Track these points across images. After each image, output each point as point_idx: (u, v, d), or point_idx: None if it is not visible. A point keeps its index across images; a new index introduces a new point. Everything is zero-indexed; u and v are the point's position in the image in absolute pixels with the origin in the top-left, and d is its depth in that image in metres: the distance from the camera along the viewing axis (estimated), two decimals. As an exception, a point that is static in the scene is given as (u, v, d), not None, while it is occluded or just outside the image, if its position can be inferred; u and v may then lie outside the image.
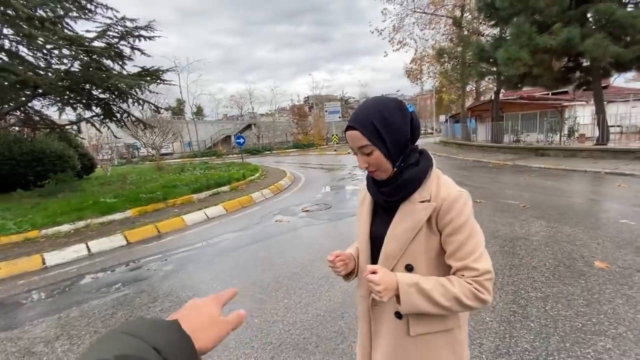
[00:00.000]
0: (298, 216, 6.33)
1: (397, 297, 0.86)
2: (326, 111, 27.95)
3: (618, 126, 16.34)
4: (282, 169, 14.69)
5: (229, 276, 3.69)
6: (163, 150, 24.48)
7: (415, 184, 0.92)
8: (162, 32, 8.07)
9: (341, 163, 16.75)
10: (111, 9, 7.63)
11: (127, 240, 5.20)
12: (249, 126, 48.17)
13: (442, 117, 28.99)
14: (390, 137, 0.89)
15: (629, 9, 8.86)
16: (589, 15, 9.64)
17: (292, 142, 39.08)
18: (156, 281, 3.70)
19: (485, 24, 16.41)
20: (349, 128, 0.91)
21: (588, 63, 10.92)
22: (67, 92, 7.53)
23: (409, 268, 0.92)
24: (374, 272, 0.85)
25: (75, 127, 9.51)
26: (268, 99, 74.42)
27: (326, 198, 7.89)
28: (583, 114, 16.75)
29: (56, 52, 7.08)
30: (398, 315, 0.94)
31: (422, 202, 0.90)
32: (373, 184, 1.00)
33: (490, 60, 12.68)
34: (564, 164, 10.43)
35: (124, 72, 8.23)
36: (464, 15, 18.50)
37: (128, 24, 7.33)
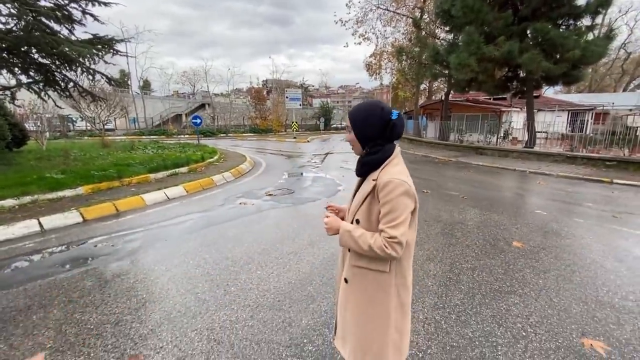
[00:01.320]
0: (262, 199, 6.54)
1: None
2: (287, 97, 27.77)
3: (545, 132, 18.77)
4: (241, 153, 14.54)
5: (199, 252, 3.84)
6: (105, 127, 22.42)
7: (371, 166, 1.33)
8: (120, -1, 7.51)
9: (301, 151, 17.02)
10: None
11: (83, 217, 5.01)
12: (202, 106, 45.89)
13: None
14: (362, 129, 1.34)
15: (561, 30, 10.25)
16: (528, 32, 10.93)
17: (249, 127, 38.19)
18: (124, 256, 3.72)
19: (441, 29, 17.58)
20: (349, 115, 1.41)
21: (524, 74, 12.39)
22: (4, 54, 6.73)
23: (357, 221, 1.34)
24: (328, 217, 1.41)
25: (9, 92, 8.49)
26: (225, 78, 71.09)
27: (288, 183, 8.16)
28: (517, 120, 18.96)
29: (-9, 6, 6.28)
30: (348, 250, 1.40)
31: (373, 180, 1.29)
32: (357, 163, 1.42)
33: (444, 63, 13.73)
34: (498, 163, 11.88)
35: (73, 38, 7.55)
36: (423, 17, 19.57)
37: (83, -15, 6.74)
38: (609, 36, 10.51)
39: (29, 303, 2.73)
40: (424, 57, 17.59)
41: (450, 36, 16.34)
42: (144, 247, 3.98)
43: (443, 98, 20.16)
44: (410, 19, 20.51)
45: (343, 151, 17.06)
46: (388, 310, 1.34)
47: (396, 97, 32.01)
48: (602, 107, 19.89)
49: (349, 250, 1.39)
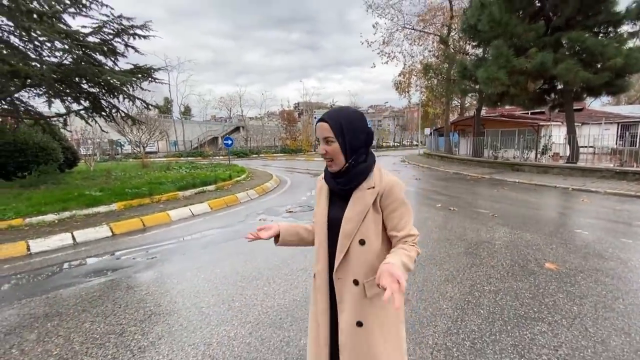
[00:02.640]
0: (281, 216, 6.56)
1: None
2: (315, 118, 28.32)
3: (591, 147, 17.35)
4: (269, 172, 14.87)
5: (212, 266, 3.88)
6: (148, 149, 24.19)
7: (364, 175, 1.16)
8: (157, 32, 8.24)
9: (327, 169, 17.06)
10: (106, 5, 7.76)
11: (112, 232, 5.31)
12: (237, 129, 48.06)
13: (427, 130, 29.92)
14: (349, 137, 1.13)
15: (599, 38, 9.64)
16: (563, 41, 10.39)
17: (280, 147, 39.29)
18: (142, 269, 3.85)
19: (469, 44, 17.26)
20: (321, 121, 1.15)
21: (561, 86, 11.69)
22: (57, 84, 7.57)
23: (362, 242, 1.14)
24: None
25: (61, 119, 9.46)
26: (258, 102, 74.33)
27: (310, 201, 8.15)
28: (558, 134, 17.75)
29: (48, 44, 7.16)
30: (355, 282, 1.16)
31: (369, 189, 1.14)
32: (330, 176, 1.21)
33: (472, 78, 13.36)
34: (536, 179, 11.08)
35: (116, 69, 8.33)
36: (451, 34, 19.38)
37: (124, 22, 7.48)
38: (657, 41, 9.69)
39: (48, 311, 2.88)
40: (452, 73, 17.29)
41: (478, 51, 15.97)
42: (161, 261, 4.10)
43: (475, 114, 19.48)
44: (438, 36, 20.40)
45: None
46: (403, 338, 1.26)
47: (426, 114, 31.52)
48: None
49: (356, 284, 1.16)
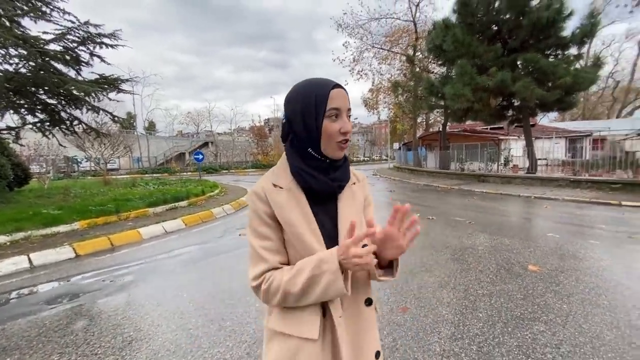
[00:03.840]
0: (262, 230, 6.34)
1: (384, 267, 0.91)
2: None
3: (544, 159, 18.81)
4: (242, 186, 14.51)
5: (194, 285, 3.61)
6: (109, 166, 22.70)
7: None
8: (127, 42, 7.89)
9: (302, 183, 16.96)
10: (69, 13, 7.33)
11: (75, 253, 4.80)
12: (205, 144, 46.79)
13: (396, 145, 30.97)
14: None
15: (550, 59, 10.61)
16: (518, 62, 11.33)
17: (252, 162, 38.73)
18: (114, 291, 3.49)
19: (434, 63, 18.33)
20: (338, 86, 0.85)
21: (519, 103, 12.65)
22: (11, 94, 6.93)
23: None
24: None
25: (13, 133, 8.63)
26: (228, 118, 73.31)
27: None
28: (516, 147, 19.09)
29: (2, 51, 6.58)
30: (368, 302, 0.93)
31: (354, 184, 0.97)
32: (320, 174, 0.89)
33: (439, 94, 14.12)
34: (502, 189, 11.73)
35: (80, 78, 7.82)
36: (416, 54, 20.51)
37: (91, 29, 7.08)
38: (597, 64, 10.87)
39: (5, 344, 2.48)
40: (419, 90, 18.18)
41: (443, 69, 16.99)
42: (136, 282, 3.74)
43: (440, 129, 20.50)
44: (404, 56, 21.49)
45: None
46: None
47: (395, 129, 32.69)
48: (599, 133, 20.10)
49: (368, 304, 0.94)
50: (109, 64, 8.14)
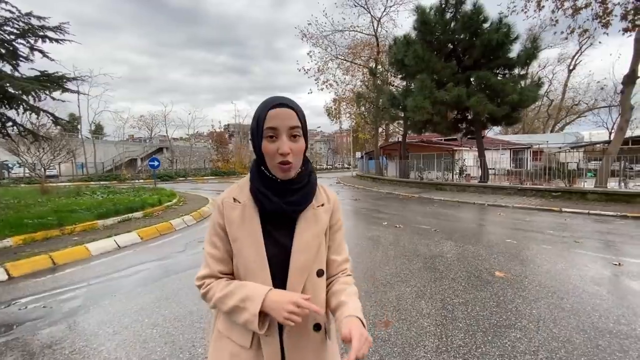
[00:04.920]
0: (228, 243, 6.00)
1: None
2: (249, 140, 27.84)
3: (492, 169, 20.38)
4: (202, 195, 13.80)
5: (157, 307, 3.25)
6: (47, 172, 20.35)
7: (315, 190, 0.95)
8: (75, 37, 7.15)
9: (266, 192, 16.59)
10: (6, 2, 6.48)
11: (8, 274, 4.13)
12: (160, 149, 44.24)
13: (358, 154, 31.73)
14: (307, 135, 0.90)
15: (499, 78, 11.56)
16: (472, 79, 12.19)
17: (211, 169, 37.26)
18: (59, 319, 3.02)
19: (395, 77, 19.15)
20: (283, 105, 0.83)
21: (472, 116, 13.59)
22: None
23: (320, 273, 0.92)
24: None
25: None
26: (185, 122, 70.10)
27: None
28: (468, 157, 20.47)
29: None
30: (317, 327, 0.92)
31: (319, 206, 0.93)
32: (274, 195, 0.88)
33: (400, 106, 14.72)
34: (458, 197, 12.43)
35: (17, 74, 6.93)
36: (378, 67, 21.30)
37: (34, 21, 6.30)
38: (538, 84, 12.09)
39: None
40: (380, 102, 18.83)
41: (403, 82, 17.82)
42: (86, 307, 3.29)
43: (400, 139, 21.37)
44: (367, 68, 22.22)
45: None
46: None
47: (357, 139, 33.50)
48: (538, 146, 22.26)
49: (317, 329, 0.93)
50: (52, 59, 7.32)
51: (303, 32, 21.73)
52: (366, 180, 22.90)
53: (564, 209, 9.20)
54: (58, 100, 7.37)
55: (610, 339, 2.50)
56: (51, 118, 7.82)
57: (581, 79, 51.64)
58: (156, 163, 13.86)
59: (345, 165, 56.58)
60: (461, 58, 12.48)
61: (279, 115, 0.82)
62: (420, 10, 12.18)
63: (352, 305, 0.89)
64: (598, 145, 21.50)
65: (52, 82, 7.29)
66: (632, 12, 10.91)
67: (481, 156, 14.00)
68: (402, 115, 16.40)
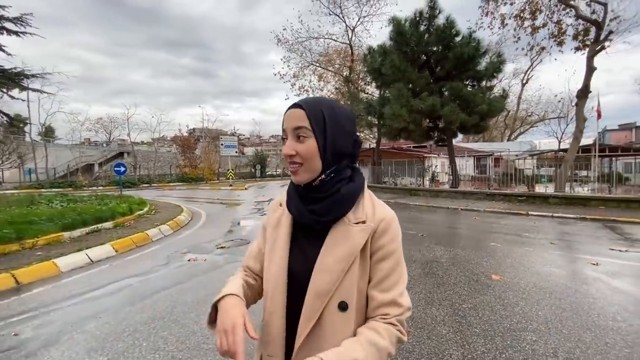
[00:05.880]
0: (214, 254, 5.69)
1: None
2: (222, 144, 27.01)
3: (462, 175, 21.47)
4: (174, 203, 13.11)
5: (153, 328, 2.95)
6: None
7: (351, 202, 0.80)
8: (39, 30, 6.50)
9: (241, 198, 16.13)
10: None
11: (-37, 298, 3.57)
12: (120, 154, 41.59)
13: (331, 160, 31.81)
14: (333, 134, 0.78)
15: (469, 89, 12.22)
16: (444, 89, 12.77)
17: (177, 176, 35.58)
18: (38, 348, 2.62)
19: (368, 85, 19.61)
20: (294, 106, 0.79)
21: (443, 125, 14.21)
22: None
23: (343, 306, 0.75)
24: None
25: None
26: (150, 126, 66.53)
27: (240, 233, 7.40)
28: (436, 164, 21.40)
29: None
30: None
31: (357, 223, 0.78)
32: (299, 200, 0.83)
33: (376, 114, 15.04)
34: (432, 202, 12.87)
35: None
36: (352, 74, 21.69)
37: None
38: (504, 95, 12.98)
39: None
40: (355, 109, 19.15)
41: (375, 90, 18.30)
42: (67, 332, 2.90)
43: (375, 146, 21.83)
44: (340, 76, 22.55)
45: (285, 197, 16.70)
46: None
47: (329, 145, 33.68)
48: (499, 153, 23.79)
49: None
50: (9, 54, 6.60)
51: (278, 37, 21.65)
52: (340, 186, 23.08)
53: (530, 213, 9.83)
54: (17, 98, 6.62)
55: (614, 336, 2.65)
56: (6, 119, 7.01)
57: (533, 92, 56.39)
58: (122, 169, 12.95)
59: (317, 171, 56.61)
60: (434, 69, 13.07)
61: (288, 117, 0.80)
62: (395, 22, 12.61)
63: (338, 350, 0.69)
64: (551, 153, 23.41)
65: (8, 78, 6.56)
66: (582, 32, 12.10)
67: (452, 163, 14.65)
68: (375, 122, 16.76)
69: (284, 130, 0.80)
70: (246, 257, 0.99)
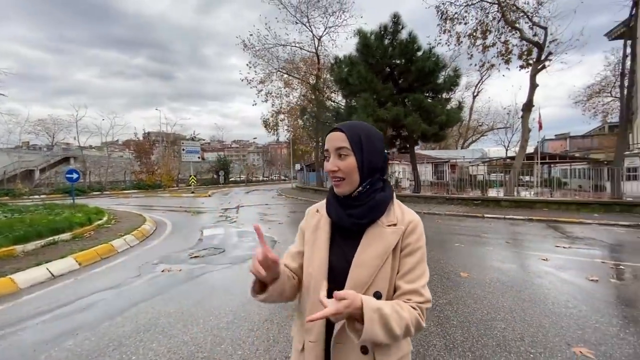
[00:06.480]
0: (188, 263, 5.53)
1: (352, 320, 0.82)
2: (183, 149, 25.92)
3: (423, 180, 22.66)
4: (134, 212, 12.39)
5: (139, 341, 2.86)
6: None
7: (384, 208, 0.95)
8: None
9: (206, 206, 15.64)
10: None
11: None
12: (66, 159, 38.15)
13: (297, 166, 32.04)
14: (368, 153, 0.93)
15: (429, 100, 13.08)
16: (407, 100, 13.54)
17: (133, 182, 33.41)
18: (14, 371, 2.44)
19: (335, 93, 20.11)
20: (335, 130, 0.94)
21: (406, 134, 15.01)
22: None
23: (378, 296, 0.89)
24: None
25: None
26: (100, 129, 61.88)
27: (211, 242, 7.24)
28: (399, 170, 22.44)
29: None
30: (364, 350, 0.90)
31: (389, 225, 0.93)
32: (339, 206, 0.97)
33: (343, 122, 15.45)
34: (398, 207, 13.49)
35: None
36: (318, 83, 22.10)
37: None
38: (460, 107, 14.06)
39: None
40: (323, 116, 19.55)
41: (341, 98, 18.81)
42: (42, 351, 2.71)
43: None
44: (306, 83, 22.86)
45: (253, 204, 16.51)
46: None
47: (295, 151, 33.87)
48: (455, 160, 25.50)
49: (364, 352, 0.90)
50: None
51: (244, 42, 21.45)
52: (308, 192, 23.22)
53: (485, 215, 10.73)
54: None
55: (568, 321, 3.07)
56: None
57: (483, 104, 61.41)
58: (75, 175, 11.99)
59: (283, 177, 56.31)
60: (398, 81, 13.83)
61: (330, 139, 0.95)
62: (362, 34, 13.19)
63: (376, 300, 0.83)
64: (500, 160, 25.59)
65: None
66: (526, 52, 13.55)
67: (415, 169, 15.50)
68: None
69: (326, 150, 0.95)
70: (283, 258, 1.08)
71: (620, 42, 14.13)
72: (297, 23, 21.09)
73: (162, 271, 5.05)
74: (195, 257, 5.94)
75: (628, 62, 11.89)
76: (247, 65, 22.20)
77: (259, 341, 2.81)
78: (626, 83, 11.69)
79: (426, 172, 24.12)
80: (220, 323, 3.17)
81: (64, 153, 40.65)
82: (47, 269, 4.86)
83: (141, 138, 49.77)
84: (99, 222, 8.78)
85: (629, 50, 11.83)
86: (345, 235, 0.97)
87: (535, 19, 13.12)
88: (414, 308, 0.87)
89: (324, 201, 1.07)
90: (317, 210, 1.07)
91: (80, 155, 35.77)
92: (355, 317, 0.79)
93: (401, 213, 0.98)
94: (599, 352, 2.52)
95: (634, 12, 11.38)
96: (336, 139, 0.93)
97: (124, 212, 12.56)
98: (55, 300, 3.90)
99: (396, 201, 1.01)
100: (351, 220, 0.94)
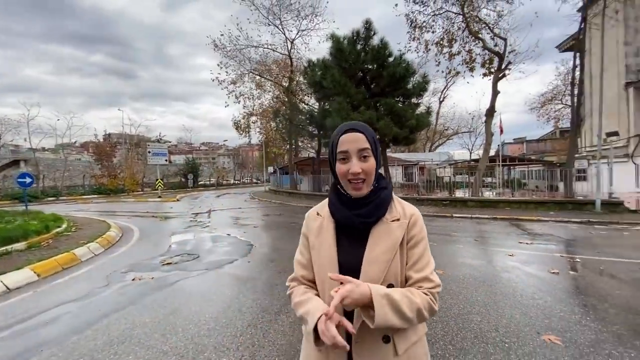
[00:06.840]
0: (161, 271, 5.28)
1: (366, 308, 0.85)
2: (149, 152, 24.70)
3: (394, 182, 23.31)
4: (96, 218, 11.65)
5: (113, 355, 2.69)
6: None
7: (387, 205, 0.99)
8: None
9: (175, 211, 15.04)
10: None
11: None
12: (15, 162, 35.04)
13: (271, 169, 31.72)
14: (378, 154, 0.98)
15: (400, 105, 13.50)
16: (379, 104, 13.89)
17: (93, 187, 31.40)
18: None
19: (308, 96, 20.18)
20: (352, 130, 0.94)
21: (378, 137, 15.35)
22: None
23: (391, 287, 0.92)
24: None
25: None
26: (55, 130, 57.40)
27: (184, 248, 6.97)
28: (371, 173, 22.85)
29: None
30: (386, 339, 0.92)
31: (394, 221, 0.97)
32: (345, 207, 0.98)
33: (317, 125, 15.56)
34: (371, 208, 13.78)
35: None
36: (291, 85, 22.07)
37: None
38: (429, 112, 14.64)
39: None
40: (296, 119, 19.53)
41: (314, 101, 18.95)
42: (3, 372, 2.48)
43: (315, 155, 22.42)
44: (279, 85, 22.75)
45: (226, 207, 16.12)
46: None
47: (268, 154, 33.52)
48: (423, 162, 26.50)
49: (386, 341, 0.93)
50: None
51: (215, 42, 20.93)
52: (282, 195, 23.05)
53: (454, 215, 11.24)
54: None
55: (535, 311, 3.29)
56: None
57: (448, 109, 64.51)
58: (28, 180, 11.01)
59: (254, 180, 55.35)
60: (370, 85, 14.15)
61: (349, 140, 0.93)
62: (335, 39, 13.37)
63: (385, 287, 0.88)
64: (465, 163, 26.93)
65: None
66: (488, 61, 14.42)
67: (386, 171, 15.88)
68: (318, 133, 17.33)
69: (345, 152, 0.94)
70: (295, 270, 1.07)
71: (570, 54, 15.47)
72: (269, 25, 20.98)
73: (133, 279, 4.79)
74: (168, 263, 5.69)
75: (577, 73, 13.00)
76: (218, 65, 21.72)
77: (244, 347, 2.75)
78: (576, 92, 12.80)
79: (397, 175, 24.82)
80: (201, 330, 3.07)
81: (13, 156, 37.29)
82: (1, 281, 4.44)
83: (101, 139, 46.98)
84: (58, 229, 8.17)
85: (578, 61, 12.97)
86: (351, 235, 0.98)
87: (496, 30, 14.04)
88: (425, 294, 0.91)
89: (322, 203, 1.08)
90: (318, 213, 1.07)
91: (32, 158, 33.04)
92: (369, 305, 0.83)
93: (402, 207, 1.02)
94: (565, 338, 2.73)
95: (582, 26, 12.50)
96: (357, 141, 0.92)
97: (85, 218, 11.78)
98: (13, 315, 3.57)
99: (395, 196, 1.05)
100: (359, 219, 0.95)
